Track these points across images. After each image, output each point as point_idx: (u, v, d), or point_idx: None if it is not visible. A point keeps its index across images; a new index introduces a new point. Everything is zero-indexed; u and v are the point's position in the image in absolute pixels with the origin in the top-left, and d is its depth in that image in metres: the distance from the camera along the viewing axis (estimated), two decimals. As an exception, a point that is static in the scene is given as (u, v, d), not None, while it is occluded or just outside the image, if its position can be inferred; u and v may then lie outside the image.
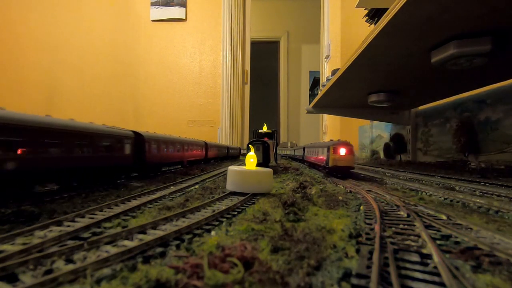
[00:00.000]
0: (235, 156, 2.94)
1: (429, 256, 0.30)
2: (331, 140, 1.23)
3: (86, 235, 0.37)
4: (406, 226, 0.41)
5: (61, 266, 0.27)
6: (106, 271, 0.26)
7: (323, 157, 1.14)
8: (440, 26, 0.64)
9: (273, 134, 1.34)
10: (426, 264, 0.29)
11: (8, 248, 0.31)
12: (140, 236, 0.36)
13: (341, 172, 1.06)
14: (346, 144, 1.03)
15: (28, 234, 0.36)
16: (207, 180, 0.96)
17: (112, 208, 0.51)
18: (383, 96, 1.27)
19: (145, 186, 0.79)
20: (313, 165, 1.49)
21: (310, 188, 0.69)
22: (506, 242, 0.34)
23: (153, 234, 0.36)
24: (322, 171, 1.23)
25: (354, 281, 0.25)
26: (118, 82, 3.43)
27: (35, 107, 3.29)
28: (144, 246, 0.31)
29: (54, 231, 0.37)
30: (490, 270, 0.28)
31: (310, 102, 2.55)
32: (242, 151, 3.06)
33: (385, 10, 0.64)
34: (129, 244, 0.32)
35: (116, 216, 0.45)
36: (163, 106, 3.40)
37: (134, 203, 0.55)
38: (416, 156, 1.73)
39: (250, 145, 0.80)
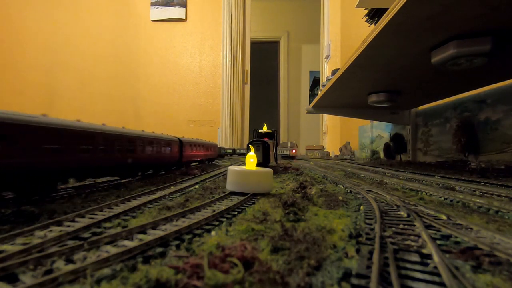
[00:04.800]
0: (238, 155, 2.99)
1: (429, 256, 0.30)
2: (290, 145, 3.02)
3: (86, 235, 0.37)
4: (406, 226, 0.41)
5: (61, 266, 0.27)
6: (106, 271, 0.26)
7: (288, 152, 2.80)
8: (440, 26, 0.64)
9: (273, 134, 1.34)
10: (426, 264, 0.29)
11: (8, 248, 0.31)
12: (140, 236, 0.36)
13: (292, 157, 2.65)
14: (293, 148, 2.77)
15: (28, 234, 0.36)
16: (207, 180, 0.96)
17: (112, 208, 0.51)
18: (383, 96, 1.27)
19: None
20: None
21: (310, 188, 0.69)
22: (506, 242, 0.34)
23: (153, 234, 0.36)
24: (287, 156, 2.76)
25: (354, 281, 0.25)
26: (118, 82, 3.42)
27: (35, 107, 3.29)
28: (144, 246, 0.31)
29: (54, 231, 0.37)
30: (490, 270, 0.27)
31: (310, 102, 2.56)
32: (238, 151, 3.08)
33: (385, 10, 0.64)
34: (129, 244, 0.32)
35: (116, 216, 0.45)
36: (163, 106, 3.40)
37: (134, 203, 0.55)
38: (416, 156, 1.73)
39: (250, 145, 0.80)
